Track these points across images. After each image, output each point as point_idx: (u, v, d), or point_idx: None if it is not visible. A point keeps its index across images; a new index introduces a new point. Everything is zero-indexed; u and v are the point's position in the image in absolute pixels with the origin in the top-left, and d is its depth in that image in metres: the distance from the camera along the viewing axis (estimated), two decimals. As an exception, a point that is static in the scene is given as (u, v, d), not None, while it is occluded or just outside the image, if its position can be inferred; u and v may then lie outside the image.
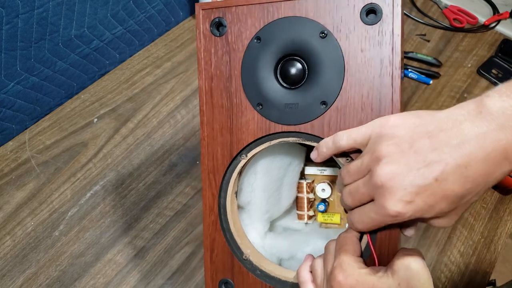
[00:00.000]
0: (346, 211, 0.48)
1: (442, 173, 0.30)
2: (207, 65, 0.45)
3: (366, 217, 0.35)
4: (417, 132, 0.32)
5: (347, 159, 0.39)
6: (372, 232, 0.38)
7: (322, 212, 0.51)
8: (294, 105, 0.42)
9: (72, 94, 0.86)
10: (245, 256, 0.46)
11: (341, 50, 0.39)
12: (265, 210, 0.51)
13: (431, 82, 0.88)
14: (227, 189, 0.46)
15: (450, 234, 0.69)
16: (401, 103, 0.39)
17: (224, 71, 0.44)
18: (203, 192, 0.46)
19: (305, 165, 0.53)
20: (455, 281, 0.65)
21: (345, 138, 0.37)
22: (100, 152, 0.78)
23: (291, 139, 0.42)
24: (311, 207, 0.53)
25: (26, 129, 0.81)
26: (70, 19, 0.76)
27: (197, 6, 0.45)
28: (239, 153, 0.44)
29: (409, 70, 0.89)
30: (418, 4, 1.03)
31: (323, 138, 0.41)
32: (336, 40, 0.40)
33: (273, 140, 0.43)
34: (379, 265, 0.37)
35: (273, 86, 0.43)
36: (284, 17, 0.41)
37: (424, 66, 0.91)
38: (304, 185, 0.52)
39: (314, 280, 0.39)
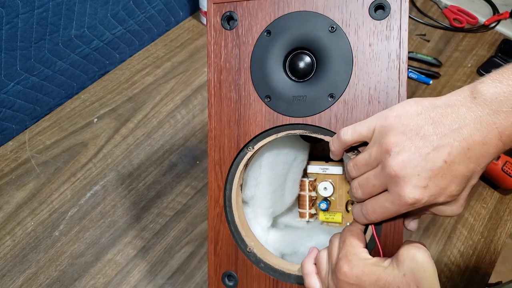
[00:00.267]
0: (348, 206, 0.48)
1: (449, 155, 0.31)
2: (216, 58, 0.45)
3: (380, 207, 0.35)
4: (420, 119, 0.33)
5: (354, 152, 0.39)
6: (377, 224, 0.38)
7: (324, 210, 0.52)
8: (302, 98, 0.42)
9: (72, 94, 0.86)
10: (249, 249, 0.46)
11: (349, 44, 0.40)
12: (269, 205, 0.51)
13: (431, 82, 0.88)
14: (232, 181, 0.46)
15: (450, 234, 0.69)
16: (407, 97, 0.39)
17: (234, 64, 0.44)
18: (209, 184, 0.46)
19: (308, 163, 0.53)
20: (455, 281, 0.65)
21: (350, 133, 0.38)
22: (100, 152, 0.78)
23: (298, 132, 0.43)
24: (313, 205, 0.53)
25: (26, 129, 0.81)
26: (70, 19, 0.76)
27: (208, 0, 0.45)
28: (246, 145, 0.45)
29: (409, 70, 0.89)
30: (418, 4, 1.03)
31: (330, 131, 0.41)
32: (345, 34, 0.40)
33: (280, 132, 0.44)
34: (383, 256, 0.37)
35: (281, 79, 0.43)
36: (294, 12, 0.42)
37: (424, 66, 0.91)
38: (307, 183, 0.52)
39: (318, 273, 0.40)
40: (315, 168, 0.53)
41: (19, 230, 0.69)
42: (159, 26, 0.95)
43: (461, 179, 0.32)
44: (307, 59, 0.42)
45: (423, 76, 0.88)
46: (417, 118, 0.33)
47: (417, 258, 0.32)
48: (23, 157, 0.77)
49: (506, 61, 0.90)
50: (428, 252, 0.33)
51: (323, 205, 0.51)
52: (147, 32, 0.93)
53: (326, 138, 0.42)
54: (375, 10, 0.39)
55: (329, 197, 0.52)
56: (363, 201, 0.37)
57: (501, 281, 0.69)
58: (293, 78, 0.43)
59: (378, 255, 0.37)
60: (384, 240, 0.38)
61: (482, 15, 1.01)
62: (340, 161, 0.51)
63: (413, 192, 0.32)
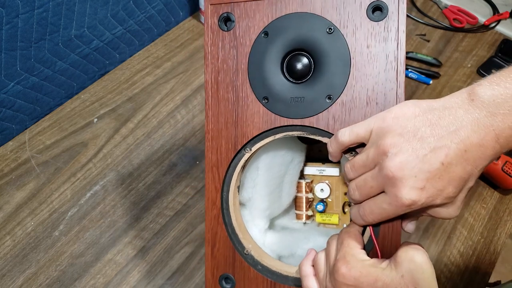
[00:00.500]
0: (345, 207, 0.48)
1: (446, 156, 0.31)
2: (213, 59, 0.45)
3: (378, 208, 0.35)
4: (418, 121, 0.33)
5: (351, 153, 0.39)
6: (375, 225, 0.38)
7: (321, 212, 0.52)
8: (300, 99, 0.42)
9: (72, 94, 0.86)
10: (247, 251, 0.46)
11: (347, 45, 0.40)
12: (266, 207, 0.51)
13: (431, 82, 0.88)
14: (230, 183, 0.46)
15: (450, 234, 0.69)
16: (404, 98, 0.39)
17: (231, 65, 0.44)
18: (206, 185, 0.46)
19: (305, 165, 0.53)
20: (455, 281, 0.65)
21: (348, 134, 0.38)
22: (100, 152, 0.78)
23: (296, 133, 0.43)
24: (309, 207, 0.53)
25: (26, 129, 0.81)
26: (70, 19, 0.76)
27: (205, 1, 0.45)
28: (243, 147, 0.45)
29: (409, 70, 0.89)
30: (418, 4, 1.03)
31: (328, 132, 0.41)
32: (343, 36, 0.40)
33: (278, 133, 0.43)
34: (382, 258, 0.37)
35: (279, 80, 0.43)
36: (292, 13, 0.42)
37: (424, 66, 0.91)
38: (303, 185, 0.52)
39: (316, 274, 0.40)
40: (311, 169, 0.53)
41: (19, 230, 0.69)
42: (159, 26, 0.95)
43: (458, 181, 0.32)
44: (305, 60, 0.42)
45: (423, 76, 0.88)
46: (415, 120, 0.33)
47: (416, 259, 0.32)
48: (23, 157, 0.77)
49: (506, 61, 0.90)
50: (427, 254, 0.33)
51: (320, 207, 0.51)
52: (147, 32, 0.93)
53: (324, 139, 0.42)
54: (373, 11, 0.39)
55: (326, 198, 0.52)
56: (361, 203, 0.37)
57: (500, 281, 0.69)
58: (291, 79, 0.43)
59: (377, 257, 0.37)
60: (382, 241, 0.38)
61: (482, 15, 1.01)
62: (337, 163, 0.51)
63: (410, 193, 0.32)
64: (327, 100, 0.41)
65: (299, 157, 0.52)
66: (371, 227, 0.38)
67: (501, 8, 1.01)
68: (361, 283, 0.34)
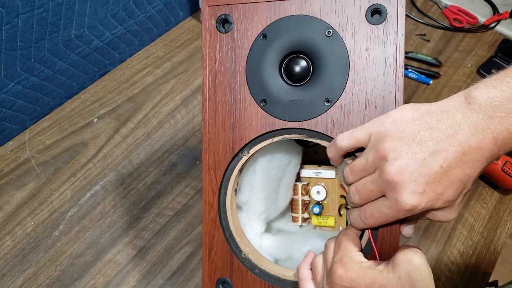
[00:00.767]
0: (341, 210, 0.47)
1: (445, 160, 0.31)
2: (211, 61, 0.45)
3: (378, 212, 0.35)
4: (417, 125, 0.33)
5: (351, 158, 0.39)
6: (374, 229, 0.38)
7: (317, 214, 0.51)
8: (298, 102, 0.42)
9: (72, 94, 0.86)
10: (244, 255, 0.46)
11: (346, 48, 0.40)
12: (263, 210, 0.51)
13: (431, 82, 0.88)
14: (227, 186, 0.46)
15: (450, 234, 0.69)
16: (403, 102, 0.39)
17: (229, 67, 0.44)
18: (203, 188, 0.46)
19: (301, 167, 0.53)
20: (455, 281, 0.65)
21: (347, 139, 0.38)
22: (100, 152, 0.78)
23: (294, 136, 0.43)
24: (305, 209, 0.53)
25: (26, 129, 0.81)
26: (70, 19, 0.76)
27: (203, 2, 0.45)
28: (241, 150, 0.44)
29: (409, 70, 0.89)
30: (418, 4, 1.03)
31: (326, 135, 0.41)
32: (342, 39, 0.40)
33: (276, 136, 0.43)
34: (380, 260, 0.37)
35: (277, 83, 0.43)
36: (290, 16, 0.42)
37: (424, 66, 0.91)
38: (300, 187, 0.52)
39: (314, 278, 0.40)
40: (308, 172, 0.52)
41: (19, 230, 0.69)
42: (159, 26, 0.95)
43: (458, 184, 0.32)
44: (303, 63, 0.42)
45: (423, 76, 0.88)
46: (413, 124, 0.33)
47: (413, 261, 0.32)
48: (23, 157, 0.77)
49: (506, 61, 0.90)
50: (424, 256, 0.33)
51: (316, 209, 0.51)
52: (147, 32, 0.93)
53: (323, 142, 0.41)
54: (372, 14, 0.39)
55: (322, 201, 0.52)
56: (361, 206, 0.37)
57: (497, 280, 0.69)
58: (289, 82, 0.43)
59: (375, 259, 0.37)
60: (381, 244, 0.38)
61: (482, 15, 1.01)
62: (333, 165, 0.51)
63: (410, 198, 0.32)
64: (326, 103, 0.41)
65: (296, 160, 0.52)
66: (369, 230, 0.38)
67: (501, 8, 1.01)
68: (358, 285, 0.34)
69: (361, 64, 0.40)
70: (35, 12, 0.70)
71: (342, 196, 0.52)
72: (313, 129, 0.41)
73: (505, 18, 0.99)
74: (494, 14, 1.01)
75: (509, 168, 0.71)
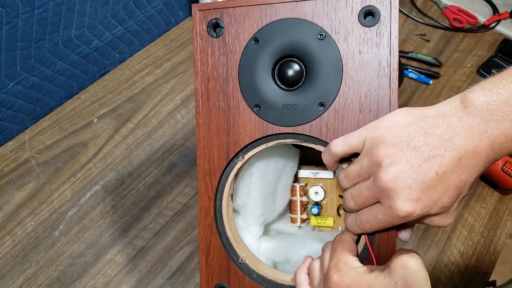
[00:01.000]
0: (340, 210, 0.47)
1: (441, 166, 0.31)
2: (203, 66, 0.44)
3: (373, 218, 0.35)
4: (411, 130, 0.33)
5: (347, 163, 0.39)
6: (370, 234, 0.38)
7: (315, 215, 0.51)
8: (292, 107, 0.41)
9: (72, 94, 0.86)
10: (241, 260, 0.45)
11: (339, 51, 0.40)
12: (260, 214, 0.51)
13: (431, 82, 0.88)
14: (223, 192, 0.45)
15: (450, 234, 0.69)
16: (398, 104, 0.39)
17: (221, 72, 0.44)
18: (199, 194, 0.46)
19: (299, 168, 0.53)
20: (455, 281, 0.65)
21: (341, 145, 0.37)
22: (100, 152, 0.78)
23: (288, 141, 0.42)
24: (304, 210, 0.52)
25: (26, 129, 0.81)
26: (70, 19, 0.76)
27: (193, 7, 0.44)
28: (236, 155, 0.44)
29: (409, 70, 0.89)
30: (418, 4, 1.03)
31: (321, 140, 0.41)
32: (334, 42, 0.40)
33: (270, 141, 0.43)
34: (377, 265, 0.37)
35: (270, 88, 0.42)
36: (282, 19, 0.41)
37: (424, 66, 0.91)
38: (298, 188, 0.51)
39: (311, 282, 0.39)
40: (306, 172, 0.52)
41: (19, 230, 0.69)
42: (159, 26, 0.95)
43: (453, 190, 0.32)
44: (296, 67, 0.42)
45: (423, 76, 0.88)
46: (408, 129, 0.33)
47: (409, 265, 0.32)
48: (23, 157, 0.77)
49: (506, 61, 0.90)
50: (421, 260, 0.33)
51: (315, 210, 0.51)
52: (147, 32, 0.93)
53: (317, 147, 0.41)
54: (365, 17, 0.39)
55: (321, 201, 0.52)
56: (357, 212, 0.37)
57: (495, 280, 0.69)
58: (283, 86, 0.42)
59: (372, 264, 0.37)
60: (378, 248, 0.38)
61: (482, 15, 1.00)
62: None
63: (405, 205, 0.32)
64: (320, 108, 0.40)
65: (293, 162, 0.51)
66: (366, 235, 0.38)
67: (501, 8, 1.01)
68: None
69: (354, 67, 0.39)
70: (35, 12, 0.70)
71: (340, 196, 0.52)
72: (307, 134, 0.41)
73: (505, 18, 0.99)
74: (494, 14, 1.01)
75: (509, 168, 0.71)
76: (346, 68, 0.39)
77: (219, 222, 0.46)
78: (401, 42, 0.95)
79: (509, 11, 0.99)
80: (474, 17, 1.00)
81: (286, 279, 0.44)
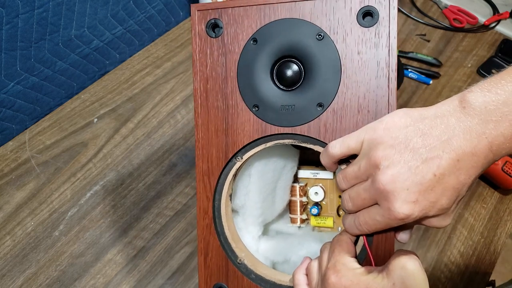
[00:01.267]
0: (340, 210, 0.47)
1: (439, 167, 0.31)
2: (202, 66, 0.44)
3: (371, 219, 0.35)
4: (409, 131, 0.32)
5: (346, 164, 0.39)
6: (369, 235, 0.38)
7: (315, 215, 0.51)
8: (291, 107, 0.41)
9: (72, 94, 0.86)
10: (240, 260, 0.45)
11: (337, 52, 0.39)
12: (259, 214, 0.50)
13: (431, 82, 0.88)
14: (221, 192, 0.45)
15: (450, 234, 0.69)
16: (397, 105, 0.39)
17: (220, 72, 0.44)
18: (198, 194, 0.46)
19: (299, 168, 0.52)
20: (455, 281, 0.65)
21: (338, 146, 0.37)
22: (100, 152, 0.78)
23: (287, 141, 0.42)
24: (304, 210, 0.52)
25: (26, 129, 0.81)
26: (70, 19, 0.76)
27: (192, 7, 0.44)
28: (234, 155, 0.44)
29: (409, 70, 0.89)
30: (418, 4, 1.03)
31: (319, 140, 0.41)
32: (333, 42, 0.40)
33: (269, 142, 0.43)
34: (375, 266, 0.36)
35: (269, 88, 0.42)
36: (281, 19, 0.41)
37: (424, 66, 0.91)
38: (297, 188, 0.51)
39: (309, 283, 0.39)
40: (305, 173, 0.52)
41: (19, 230, 0.69)
42: (159, 26, 0.95)
43: (452, 191, 0.32)
44: (295, 67, 0.42)
45: (423, 76, 0.88)
46: (406, 130, 0.32)
47: (408, 266, 0.32)
48: (23, 157, 0.77)
49: (506, 61, 0.90)
50: (419, 261, 0.33)
51: (314, 210, 0.51)
52: (147, 32, 0.93)
53: (316, 147, 0.41)
54: (363, 17, 0.39)
55: (320, 201, 0.52)
56: (355, 213, 0.37)
57: (495, 280, 0.69)
58: (281, 86, 0.42)
59: (370, 265, 0.37)
60: (376, 249, 0.38)
61: (482, 15, 1.00)
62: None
63: (402, 207, 0.32)
64: (318, 108, 0.40)
65: (292, 162, 0.51)
66: (364, 236, 0.37)
67: (501, 8, 1.01)
68: None
69: (353, 68, 0.39)
70: (35, 12, 0.70)
71: (340, 196, 0.52)
72: (305, 135, 0.41)
73: (505, 18, 0.99)
74: (494, 14, 1.01)
75: (509, 168, 0.71)
76: (345, 69, 0.39)
77: (217, 222, 0.46)
78: (401, 42, 0.95)
79: (509, 11, 0.99)
80: (474, 17, 1.00)
81: (284, 279, 0.44)
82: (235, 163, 0.45)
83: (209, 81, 0.44)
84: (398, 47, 0.40)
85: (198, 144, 0.45)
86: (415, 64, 0.91)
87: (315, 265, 0.39)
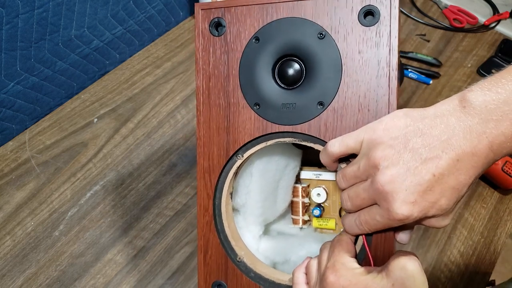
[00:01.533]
0: (342, 212, 0.47)
1: (438, 168, 0.31)
2: (205, 64, 0.45)
3: (371, 219, 0.35)
4: (409, 131, 0.32)
5: (346, 163, 0.39)
6: (368, 234, 0.37)
7: (317, 217, 0.51)
8: (291, 105, 0.41)
9: (72, 94, 0.86)
10: (239, 258, 0.45)
11: (338, 51, 0.40)
12: (260, 213, 0.50)
13: (431, 82, 0.88)
14: (222, 190, 0.46)
15: (450, 234, 0.69)
16: (397, 104, 0.38)
17: (222, 70, 0.44)
18: (198, 192, 0.46)
19: (301, 169, 0.52)
20: (455, 281, 0.65)
21: (337, 145, 0.37)
22: (100, 152, 0.78)
23: (287, 139, 0.42)
24: (306, 211, 0.52)
25: (26, 129, 0.81)
26: (70, 19, 0.76)
27: (196, 6, 0.45)
28: (235, 153, 0.44)
29: (409, 70, 0.89)
30: (418, 4, 1.03)
31: (319, 139, 0.41)
32: (334, 41, 0.40)
33: (269, 140, 0.43)
34: (374, 266, 0.36)
35: (270, 86, 0.42)
36: (282, 18, 0.41)
37: (424, 66, 0.91)
38: (300, 189, 0.51)
39: (308, 282, 0.39)
40: (308, 174, 0.52)
41: (19, 230, 0.69)
42: (159, 26, 0.95)
43: (451, 192, 0.31)
44: (296, 66, 0.42)
45: (423, 76, 0.88)
46: (406, 130, 0.32)
47: (407, 267, 0.31)
48: (23, 157, 0.77)
49: (506, 61, 0.90)
50: (419, 262, 0.33)
51: (317, 212, 0.50)
52: (147, 32, 0.93)
53: (316, 146, 0.41)
54: (365, 16, 0.39)
55: (323, 203, 0.51)
56: (354, 212, 0.37)
57: (494, 280, 0.69)
58: (282, 85, 0.42)
59: (370, 265, 0.37)
60: (375, 250, 0.38)
61: (482, 15, 1.01)
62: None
63: (401, 208, 0.32)
64: (319, 107, 0.40)
65: (294, 162, 0.51)
66: (364, 235, 0.37)
67: (501, 8, 1.01)
68: None
69: (353, 66, 0.39)
70: (35, 12, 0.70)
71: None
72: (306, 133, 0.41)
73: (505, 18, 0.99)
74: (494, 14, 1.01)
75: (509, 168, 0.71)
76: (346, 68, 0.39)
77: (217, 220, 0.46)
78: (401, 42, 0.95)
79: (509, 11, 0.99)
80: (474, 17, 1.00)
81: (283, 278, 0.44)
82: (235, 161, 0.45)
83: (211, 79, 0.44)
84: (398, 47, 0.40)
85: (200, 141, 0.45)
86: (415, 64, 0.91)
87: (314, 264, 0.39)
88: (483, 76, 0.88)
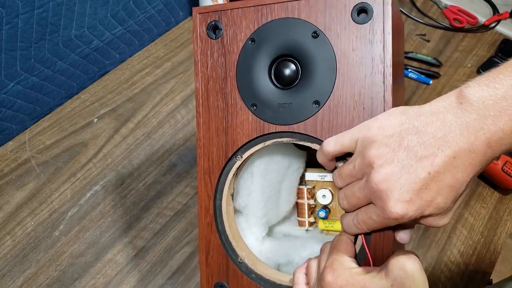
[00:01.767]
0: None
1: (433, 165, 0.30)
2: (203, 67, 0.45)
3: (368, 219, 0.35)
4: (404, 129, 0.32)
5: (343, 161, 0.39)
6: (367, 233, 0.37)
7: (323, 218, 0.51)
8: (288, 105, 0.42)
9: (72, 94, 0.86)
10: (240, 259, 0.46)
11: (333, 49, 0.40)
12: (263, 214, 0.50)
13: (431, 82, 0.88)
14: (222, 191, 0.46)
15: (450, 234, 0.69)
16: (393, 101, 0.38)
17: (220, 73, 0.44)
18: (199, 193, 0.46)
19: (306, 170, 0.52)
20: (455, 281, 0.65)
21: (333, 144, 0.37)
22: (100, 152, 0.78)
23: (285, 140, 0.42)
24: (311, 213, 0.52)
25: (26, 129, 0.81)
26: (70, 19, 0.76)
27: (194, 10, 0.45)
28: (234, 154, 0.44)
29: (409, 70, 0.89)
30: (418, 4, 1.03)
31: (316, 138, 0.41)
32: (328, 39, 0.40)
33: (267, 140, 0.43)
34: (374, 266, 0.36)
35: (267, 87, 0.43)
36: (277, 19, 0.42)
37: (424, 66, 0.91)
38: (305, 191, 0.51)
39: (308, 282, 0.39)
40: (313, 175, 0.51)
41: (19, 230, 0.69)
42: (159, 26, 0.95)
43: (448, 190, 0.31)
44: (292, 66, 0.42)
45: (423, 76, 0.88)
46: (401, 128, 0.32)
47: (406, 267, 0.31)
48: (23, 157, 0.77)
49: (506, 61, 0.90)
50: (419, 261, 0.32)
51: (322, 213, 0.50)
52: (147, 32, 0.93)
53: (313, 145, 0.41)
54: (358, 14, 0.39)
55: (328, 205, 0.51)
56: (352, 212, 0.37)
57: (492, 278, 0.69)
58: (279, 85, 0.43)
59: (369, 265, 0.37)
60: (374, 249, 0.38)
61: (482, 15, 1.01)
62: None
63: (396, 206, 0.31)
64: (315, 106, 0.40)
65: (298, 163, 0.51)
66: (362, 235, 0.37)
67: (501, 8, 1.01)
68: None
69: (348, 64, 0.39)
70: (35, 12, 0.70)
71: None
72: (303, 132, 0.41)
73: (505, 18, 0.99)
74: (494, 14, 1.01)
75: (509, 168, 0.71)
76: (340, 66, 0.39)
77: (218, 221, 0.46)
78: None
79: (509, 11, 0.99)
80: (474, 17, 1.00)
81: (284, 279, 0.44)
82: (235, 162, 0.45)
83: (209, 81, 0.45)
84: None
85: (200, 143, 0.46)
86: (415, 64, 0.91)
87: (314, 264, 0.39)
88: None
